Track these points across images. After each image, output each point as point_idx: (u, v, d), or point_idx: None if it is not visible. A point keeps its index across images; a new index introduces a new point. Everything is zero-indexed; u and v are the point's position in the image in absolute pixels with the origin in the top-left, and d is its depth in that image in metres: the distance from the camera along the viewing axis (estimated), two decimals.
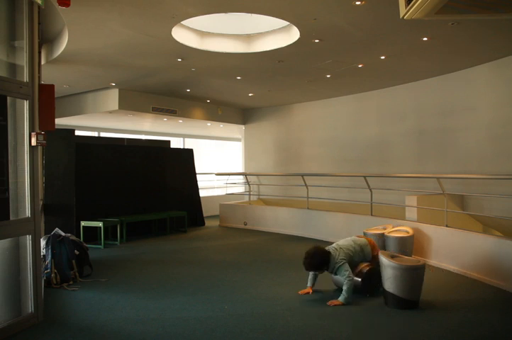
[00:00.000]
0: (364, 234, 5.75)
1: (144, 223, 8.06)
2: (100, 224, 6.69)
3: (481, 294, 4.15)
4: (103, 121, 11.09)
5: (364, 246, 4.22)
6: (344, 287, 3.81)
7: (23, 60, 3.31)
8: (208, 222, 9.55)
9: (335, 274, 4.03)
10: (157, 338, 3.08)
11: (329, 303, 3.79)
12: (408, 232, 5.44)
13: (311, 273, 4.20)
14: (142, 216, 7.74)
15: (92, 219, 6.90)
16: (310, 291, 4.15)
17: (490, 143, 6.78)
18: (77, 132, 7.97)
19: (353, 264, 4.10)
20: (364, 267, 4.11)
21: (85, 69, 7.19)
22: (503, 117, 6.59)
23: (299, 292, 4.16)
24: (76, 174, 6.80)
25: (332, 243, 6.83)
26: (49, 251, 4.57)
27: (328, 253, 3.98)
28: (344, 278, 3.84)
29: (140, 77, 7.75)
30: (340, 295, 3.83)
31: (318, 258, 3.94)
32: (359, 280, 4.03)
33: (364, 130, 9.17)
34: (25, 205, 3.28)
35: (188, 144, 15.30)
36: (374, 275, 4.05)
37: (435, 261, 5.33)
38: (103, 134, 12.72)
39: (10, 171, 3.14)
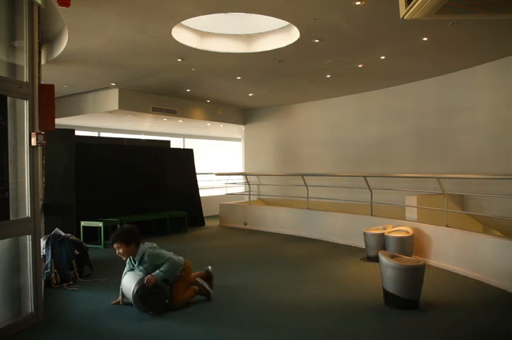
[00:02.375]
0: (364, 234, 5.76)
1: (144, 223, 8.04)
2: (100, 224, 6.70)
3: (481, 294, 4.15)
4: (103, 121, 11.09)
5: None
6: (164, 267, 3.65)
7: (23, 60, 3.31)
8: (208, 222, 9.55)
9: (140, 266, 3.74)
10: (157, 338, 3.08)
11: (146, 281, 3.52)
12: (408, 232, 5.44)
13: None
14: (142, 216, 7.74)
15: (92, 219, 6.90)
16: (120, 301, 3.83)
17: (489, 143, 6.79)
18: (77, 132, 7.98)
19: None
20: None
21: (85, 69, 7.19)
22: (502, 117, 6.59)
23: (111, 303, 3.84)
24: (76, 174, 6.80)
25: (332, 243, 6.98)
26: (49, 251, 4.57)
27: (139, 234, 3.77)
28: (165, 261, 3.69)
29: (140, 77, 7.76)
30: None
31: (126, 230, 3.74)
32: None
33: (364, 130, 9.17)
34: (25, 205, 3.28)
35: (188, 144, 15.30)
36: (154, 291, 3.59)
37: (435, 261, 5.33)
38: (103, 134, 12.72)
39: (10, 171, 3.13)
